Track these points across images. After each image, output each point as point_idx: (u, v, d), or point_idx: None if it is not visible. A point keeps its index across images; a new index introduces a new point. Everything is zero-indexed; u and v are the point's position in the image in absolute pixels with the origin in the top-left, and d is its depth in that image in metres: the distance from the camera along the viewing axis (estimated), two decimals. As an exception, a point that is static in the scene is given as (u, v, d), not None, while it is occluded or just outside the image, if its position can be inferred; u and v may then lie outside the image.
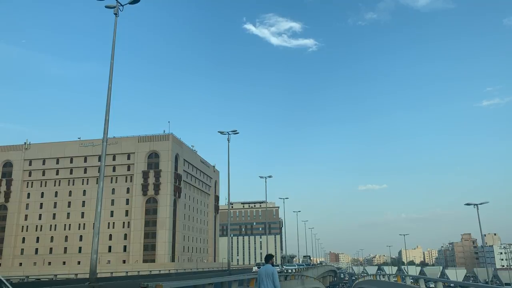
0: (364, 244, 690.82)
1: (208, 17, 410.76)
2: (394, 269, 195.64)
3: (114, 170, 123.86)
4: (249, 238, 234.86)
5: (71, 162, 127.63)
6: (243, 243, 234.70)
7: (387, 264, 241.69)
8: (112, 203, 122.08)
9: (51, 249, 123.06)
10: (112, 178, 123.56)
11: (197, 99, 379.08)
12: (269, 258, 11.95)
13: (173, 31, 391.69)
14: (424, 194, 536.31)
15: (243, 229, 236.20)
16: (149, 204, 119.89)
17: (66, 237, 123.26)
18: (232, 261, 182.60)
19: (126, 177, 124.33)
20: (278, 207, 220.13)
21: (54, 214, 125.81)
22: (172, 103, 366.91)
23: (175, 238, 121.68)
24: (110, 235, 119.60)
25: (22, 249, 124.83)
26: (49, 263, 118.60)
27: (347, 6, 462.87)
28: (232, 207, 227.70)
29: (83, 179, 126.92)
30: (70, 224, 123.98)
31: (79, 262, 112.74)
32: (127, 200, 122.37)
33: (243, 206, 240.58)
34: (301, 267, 68.46)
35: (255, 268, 61.25)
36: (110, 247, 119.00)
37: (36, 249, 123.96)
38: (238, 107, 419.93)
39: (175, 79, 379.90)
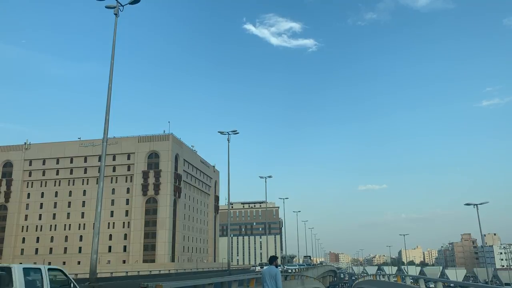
0: (364, 244, 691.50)
1: (208, 17, 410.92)
2: (394, 269, 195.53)
3: (114, 170, 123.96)
4: (249, 238, 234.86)
5: (71, 162, 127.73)
6: (243, 243, 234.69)
7: (387, 264, 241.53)
8: (112, 203, 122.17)
9: (51, 249, 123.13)
10: (112, 178, 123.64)
11: (197, 99, 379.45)
12: (273, 259, 11.99)
13: (173, 31, 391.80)
14: (424, 194, 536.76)
15: (243, 229, 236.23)
16: (149, 204, 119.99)
17: (66, 237, 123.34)
18: (232, 261, 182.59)
19: (126, 177, 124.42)
20: (278, 207, 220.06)
21: (54, 214, 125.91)
22: (172, 103, 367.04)
23: (175, 238, 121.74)
24: (110, 235, 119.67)
25: (22, 249, 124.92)
26: (49, 263, 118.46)
27: (347, 6, 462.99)
28: (232, 207, 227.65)
29: (83, 179, 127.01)
30: (70, 224, 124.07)
31: (79, 262, 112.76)
32: (127, 200, 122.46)
33: (243, 206, 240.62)
34: (302, 267, 68.78)
35: (258, 268, 61.37)
36: (110, 247, 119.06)
37: (36, 249, 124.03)
38: (238, 107, 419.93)
39: (175, 79, 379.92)
